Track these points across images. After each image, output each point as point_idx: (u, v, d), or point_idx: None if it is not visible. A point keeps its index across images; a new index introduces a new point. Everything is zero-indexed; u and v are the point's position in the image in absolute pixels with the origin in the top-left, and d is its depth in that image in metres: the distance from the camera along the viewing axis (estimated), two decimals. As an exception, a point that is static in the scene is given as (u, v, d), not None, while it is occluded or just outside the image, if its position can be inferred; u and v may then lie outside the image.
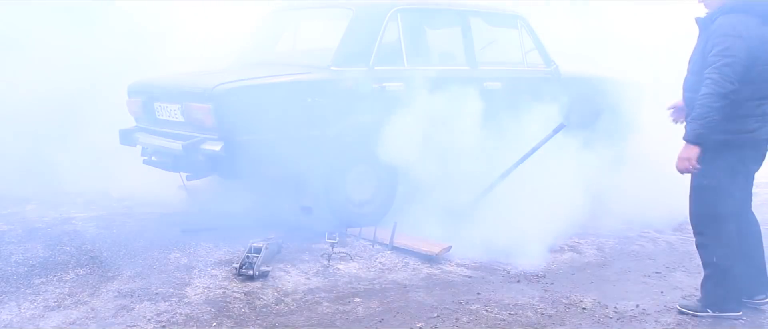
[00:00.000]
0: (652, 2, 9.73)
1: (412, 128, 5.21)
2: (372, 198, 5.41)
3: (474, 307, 3.99)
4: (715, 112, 3.55)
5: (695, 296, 4.13)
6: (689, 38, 4.04)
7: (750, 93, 3.62)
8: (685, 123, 3.82)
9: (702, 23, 3.77)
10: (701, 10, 3.85)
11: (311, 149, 4.99)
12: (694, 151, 3.64)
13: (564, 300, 4.15)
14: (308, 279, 4.38)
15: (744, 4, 3.64)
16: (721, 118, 3.57)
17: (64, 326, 3.64)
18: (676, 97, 4.04)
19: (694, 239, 4.03)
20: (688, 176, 3.87)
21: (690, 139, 3.65)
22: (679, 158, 3.71)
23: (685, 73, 3.89)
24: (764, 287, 4.00)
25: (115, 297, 3.99)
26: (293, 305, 3.99)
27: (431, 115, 5.27)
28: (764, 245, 4.02)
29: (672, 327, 3.81)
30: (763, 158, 3.85)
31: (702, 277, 3.97)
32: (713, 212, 3.79)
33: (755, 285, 3.98)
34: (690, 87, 3.80)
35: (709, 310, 3.87)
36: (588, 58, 7.81)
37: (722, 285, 3.83)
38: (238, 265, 4.33)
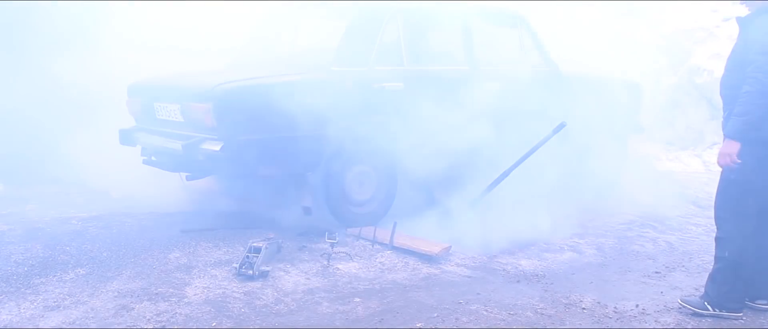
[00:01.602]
0: (650, 3, 9.73)
1: (412, 128, 5.21)
2: (372, 198, 5.40)
3: (474, 307, 3.99)
4: (756, 110, 3.62)
5: (696, 295, 4.13)
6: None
7: None
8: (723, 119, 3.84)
9: (742, 23, 3.82)
10: (743, 10, 3.88)
11: (311, 149, 4.99)
12: (735, 147, 3.70)
13: (564, 300, 4.15)
14: (308, 279, 4.38)
15: None
16: (762, 115, 3.62)
17: (64, 326, 3.64)
18: (676, 98, 4.04)
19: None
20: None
21: (731, 135, 3.72)
22: (720, 154, 3.77)
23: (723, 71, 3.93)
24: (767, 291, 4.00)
25: (115, 297, 3.99)
26: (293, 305, 3.99)
27: (431, 115, 5.27)
28: None
29: (672, 327, 3.81)
30: None
31: (707, 274, 3.97)
32: (736, 207, 3.81)
33: (760, 289, 3.98)
34: (728, 84, 3.84)
35: (709, 306, 3.88)
36: (587, 57, 7.81)
37: (729, 281, 3.84)
38: (237, 265, 4.33)
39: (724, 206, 3.89)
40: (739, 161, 3.70)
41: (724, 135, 3.81)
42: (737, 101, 3.69)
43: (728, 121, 3.78)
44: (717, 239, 3.93)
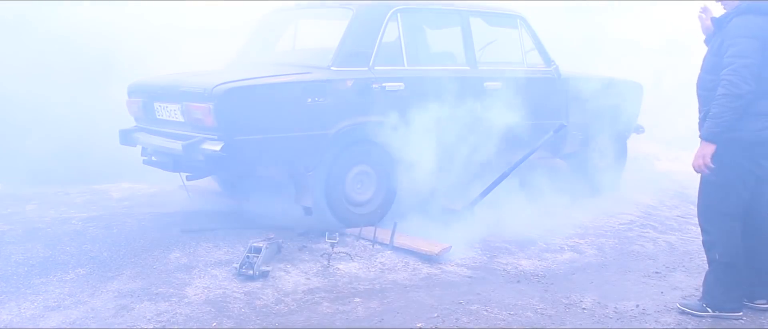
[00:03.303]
0: (650, 3, 9.74)
1: (412, 128, 5.21)
2: (372, 198, 5.40)
3: (474, 307, 3.99)
4: (730, 112, 3.62)
5: (695, 296, 4.14)
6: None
7: (763, 92, 3.65)
8: (699, 121, 3.86)
9: (718, 23, 3.81)
10: (719, 10, 3.88)
11: (311, 149, 4.99)
12: (710, 149, 3.70)
13: (564, 300, 4.15)
14: (308, 279, 4.38)
15: (759, 5, 3.67)
16: (737, 117, 3.63)
17: (64, 326, 3.64)
18: (676, 98, 4.04)
19: (694, 239, 4.03)
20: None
21: (705, 137, 3.72)
22: (696, 156, 3.77)
23: (699, 71, 3.92)
24: (766, 291, 4.00)
25: (115, 297, 3.99)
26: (293, 305, 3.99)
27: (431, 115, 5.27)
28: None
29: (672, 327, 3.81)
30: None
31: (704, 275, 3.98)
32: (718, 209, 3.81)
33: (758, 288, 3.98)
34: (704, 85, 3.84)
35: (708, 309, 3.88)
36: (588, 58, 7.81)
37: (722, 283, 3.84)
38: (238, 265, 4.33)
39: (706, 209, 3.89)
40: (712, 165, 3.70)
41: (699, 136, 3.78)
42: (712, 103, 3.68)
43: (703, 123, 3.77)
44: (704, 243, 3.93)
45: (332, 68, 5.17)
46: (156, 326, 3.65)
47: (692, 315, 3.91)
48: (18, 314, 3.77)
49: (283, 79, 5.04)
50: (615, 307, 4.06)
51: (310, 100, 4.94)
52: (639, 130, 7.13)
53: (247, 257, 4.36)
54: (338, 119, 5.06)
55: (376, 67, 5.30)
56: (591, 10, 9.35)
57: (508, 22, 6.24)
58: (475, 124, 5.49)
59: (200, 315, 3.78)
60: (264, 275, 4.31)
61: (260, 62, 5.79)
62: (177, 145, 4.88)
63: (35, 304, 3.88)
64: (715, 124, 3.66)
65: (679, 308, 3.99)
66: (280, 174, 5.07)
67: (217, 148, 4.71)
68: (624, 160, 7.07)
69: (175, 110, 5.08)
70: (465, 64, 5.80)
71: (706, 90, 3.81)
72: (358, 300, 4.08)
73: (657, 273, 4.72)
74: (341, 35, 5.30)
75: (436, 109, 5.27)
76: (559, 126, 5.51)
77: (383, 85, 5.25)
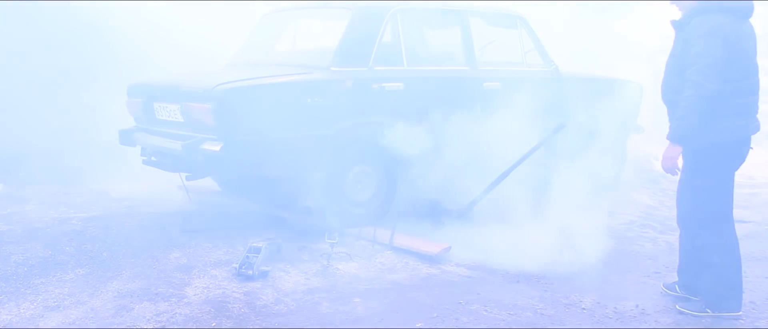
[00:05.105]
0: (650, 3, 9.74)
1: (412, 128, 5.21)
2: (372, 198, 5.40)
3: (474, 307, 3.99)
4: (697, 114, 3.61)
5: (693, 298, 4.13)
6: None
7: (732, 90, 3.66)
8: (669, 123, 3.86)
9: (677, 25, 3.81)
10: (676, 13, 3.87)
11: (311, 149, 4.99)
12: (677, 151, 3.72)
13: (564, 300, 4.15)
14: (308, 279, 4.38)
15: (717, 4, 3.66)
16: (707, 118, 3.62)
17: (64, 326, 3.64)
18: (676, 98, 4.03)
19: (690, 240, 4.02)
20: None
21: (672, 138, 3.72)
22: (664, 157, 3.77)
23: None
24: None
25: (115, 297, 3.99)
26: (293, 305, 3.99)
27: (430, 115, 5.27)
28: (763, 246, 4.02)
29: (671, 327, 3.81)
30: (746, 155, 3.85)
31: (702, 277, 3.98)
32: (710, 212, 3.81)
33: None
34: (669, 89, 3.83)
35: (708, 309, 3.88)
36: (588, 58, 7.80)
37: (721, 283, 3.84)
38: (237, 265, 4.33)
39: (696, 214, 3.88)
40: (679, 169, 3.72)
41: (666, 138, 3.76)
42: (679, 105, 3.66)
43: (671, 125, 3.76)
44: (699, 247, 3.90)
45: (332, 68, 5.17)
46: (155, 326, 3.65)
47: (691, 315, 3.91)
48: (18, 314, 3.77)
49: (283, 79, 5.04)
50: (615, 307, 4.06)
51: (310, 100, 4.94)
52: (639, 130, 7.13)
53: (247, 257, 4.36)
54: (338, 119, 5.06)
55: (375, 67, 5.30)
56: (591, 10, 9.35)
57: (507, 23, 6.24)
58: (474, 123, 5.49)
59: (200, 315, 3.78)
60: (264, 275, 4.31)
61: (260, 62, 5.79)
62: (177, 145, 4.88)
63: (35, 304, 3.88)
64: (682, 126, 3.65)
65: (678, 309, 3.99)
66: (280, 174, 5.07)
67: (217, 148, 4.71)
68: (624, 160, 7.07)
69: (175, 110, 5.08)
70: (465, 64, 5.80)
71: (671, 94, 3.80)
72: (357, 300, 4.08)
73: (657, 273, 4.72)
74: (341, 35, 5.30)
75: (435, 109, 5.27)
76: (559, 126, 5.50)
77: (383, 85, 5.25)
